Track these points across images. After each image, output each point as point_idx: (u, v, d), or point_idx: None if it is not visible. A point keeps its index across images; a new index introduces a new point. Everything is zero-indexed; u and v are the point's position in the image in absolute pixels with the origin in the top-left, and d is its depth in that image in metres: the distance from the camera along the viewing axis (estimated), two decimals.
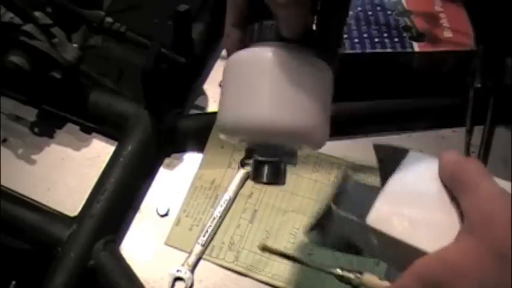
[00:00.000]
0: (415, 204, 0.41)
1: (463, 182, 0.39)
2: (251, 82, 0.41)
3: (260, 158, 0.44)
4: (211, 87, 0.76)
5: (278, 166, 0.44)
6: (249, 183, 0.68)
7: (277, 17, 0.40)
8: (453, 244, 0.37)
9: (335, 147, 0.70)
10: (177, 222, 0.67)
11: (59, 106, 0.73)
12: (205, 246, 0.65)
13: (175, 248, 0.65)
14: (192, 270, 0.64)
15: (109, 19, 0.68)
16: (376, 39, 0.69)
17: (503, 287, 0.34)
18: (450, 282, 0.36)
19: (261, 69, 0.41)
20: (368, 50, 0.68)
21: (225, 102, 0.44)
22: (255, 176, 0.44)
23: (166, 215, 0.68)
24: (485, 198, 0.37)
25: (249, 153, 0.44)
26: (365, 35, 0.69)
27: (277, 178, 0.44)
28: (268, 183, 0.44)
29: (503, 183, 0.39)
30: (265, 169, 0.44)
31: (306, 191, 0.67)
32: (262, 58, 0.41)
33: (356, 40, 0.69)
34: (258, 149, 0.44)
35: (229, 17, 0.44)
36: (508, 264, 0.34)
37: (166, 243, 0.65)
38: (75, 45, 0.68)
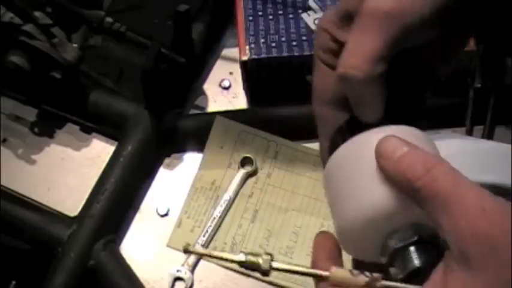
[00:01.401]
0: None
1: (435, 194, 0.30)
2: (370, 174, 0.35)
3: (404, 243, 0.34)
4: (211, 87, 0.76)
5: (423, 243, 0.35)
6: (249, 183, 0.68)
7: (353, 99, 0.36)
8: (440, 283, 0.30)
9: None
10: (179, 224, 0.66)
11: (59, 106, 0.73)
12: (206, 246, 0.65)
13: (177, 249, 0.65)
14: (192, 270, 0.64)
15: (109, 19, 0.68)
16: None
17: None
18: None
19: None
20: None
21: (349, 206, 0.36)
22: (405, 267, 0.34)
23: (166, 215, 0.68)
24: (478, 217, 0.28)
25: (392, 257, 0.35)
26: None
27: (429, 256, 0.34)
28: (424, 267, 0.34)
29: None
30: (414, 253, 0.34)
31: (306, 189, 0.67)
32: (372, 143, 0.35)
33: None
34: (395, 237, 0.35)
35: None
36: None
37: (168, 245, 0.65)
38: (75, 45, 0.68)
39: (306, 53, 0.67)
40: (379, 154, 0.33)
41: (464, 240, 0.28)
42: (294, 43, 0.68)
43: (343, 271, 0.34)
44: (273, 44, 0.68)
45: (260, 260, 0.39)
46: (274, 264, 0.38)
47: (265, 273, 0.40)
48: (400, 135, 0.35)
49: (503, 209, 0.28)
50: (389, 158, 0.33)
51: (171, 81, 0.70)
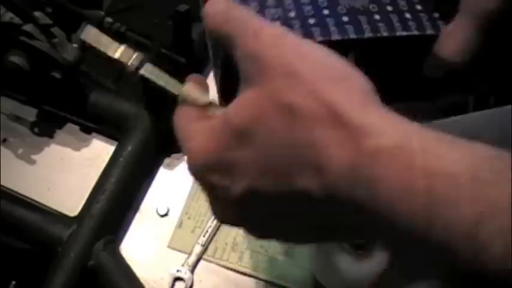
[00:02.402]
0: None
1: (231, 31, 0.32)
2: None
3: None
4: (211, 87, 0.76)
5: None
6: None
7: None
8: (233, 104, 0.31)
9: None
10: (180, 224, 0.66)
11: (59, 106, 0.73)
12: (205, 246, 0.65)
13: (178, 250, 0.65)
14: (192, 271, 0.64)
15: (109, 19, 0.68)
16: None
17: (291, 141, 0.28)
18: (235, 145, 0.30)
19: None
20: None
21: None
22: None
23: (166, 215, 0.68)
24: (257, 41, 0.31)
25: None
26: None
27: None
28: None
29: None
30: None
31: None
32: None
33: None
34: None
35: None
36: (294, 116, 0.28)
37: (169, 246, 0.65)
38: (75, 45, 0.68)
39: None
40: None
41: (241, 62, 0.32)
42: None
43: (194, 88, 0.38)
44: None
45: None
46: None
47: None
48: None
49: (271, 32, 0.31)
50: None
51: None
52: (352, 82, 0.30)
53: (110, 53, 0.39)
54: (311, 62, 0.30)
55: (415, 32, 0.41)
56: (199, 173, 0.33)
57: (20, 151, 0.72)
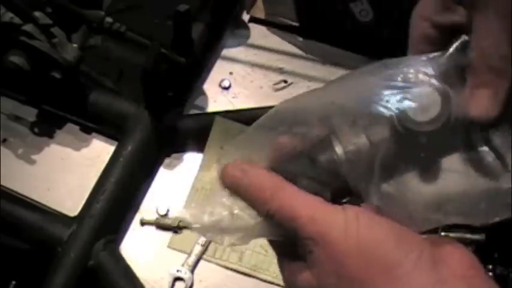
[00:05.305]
0: None
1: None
2: None
3: None
4: (211, 87, 0.76)
5: None
6: None
7: None
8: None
9: None
10: None
11: (59, 106, 0.73)
12: (205, 246, 0.65)
13: (178, 250, 0.65)
14: (192, 270, 0.64)
15: (109, 19, 0.68)
16: None
17: None
18: None
19: None
20: None
21: None
22: None
23: (166, 215, 0.68)
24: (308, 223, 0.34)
25: None
26: None
27: None
28: None
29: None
30: None
31: None
32: None
33: None
34: None
35: None
36: None
37: (169, 246, 0.65)
38: (75, 45, 0.68)
39: None
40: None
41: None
42: None
43: None
44: None
45: None
46: None
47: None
48: None
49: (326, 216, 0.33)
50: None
51: (171, 81, 0.70)
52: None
53: None
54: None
55: None
56: None
57: (20, 151, 0.72)
